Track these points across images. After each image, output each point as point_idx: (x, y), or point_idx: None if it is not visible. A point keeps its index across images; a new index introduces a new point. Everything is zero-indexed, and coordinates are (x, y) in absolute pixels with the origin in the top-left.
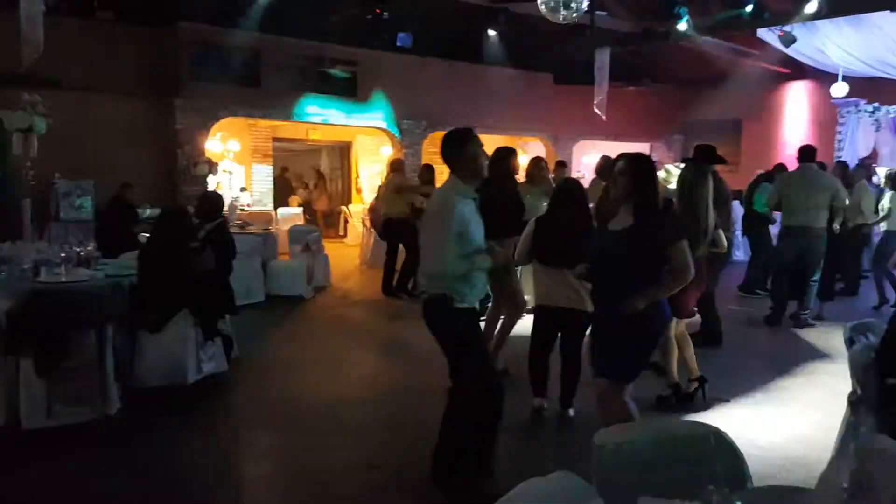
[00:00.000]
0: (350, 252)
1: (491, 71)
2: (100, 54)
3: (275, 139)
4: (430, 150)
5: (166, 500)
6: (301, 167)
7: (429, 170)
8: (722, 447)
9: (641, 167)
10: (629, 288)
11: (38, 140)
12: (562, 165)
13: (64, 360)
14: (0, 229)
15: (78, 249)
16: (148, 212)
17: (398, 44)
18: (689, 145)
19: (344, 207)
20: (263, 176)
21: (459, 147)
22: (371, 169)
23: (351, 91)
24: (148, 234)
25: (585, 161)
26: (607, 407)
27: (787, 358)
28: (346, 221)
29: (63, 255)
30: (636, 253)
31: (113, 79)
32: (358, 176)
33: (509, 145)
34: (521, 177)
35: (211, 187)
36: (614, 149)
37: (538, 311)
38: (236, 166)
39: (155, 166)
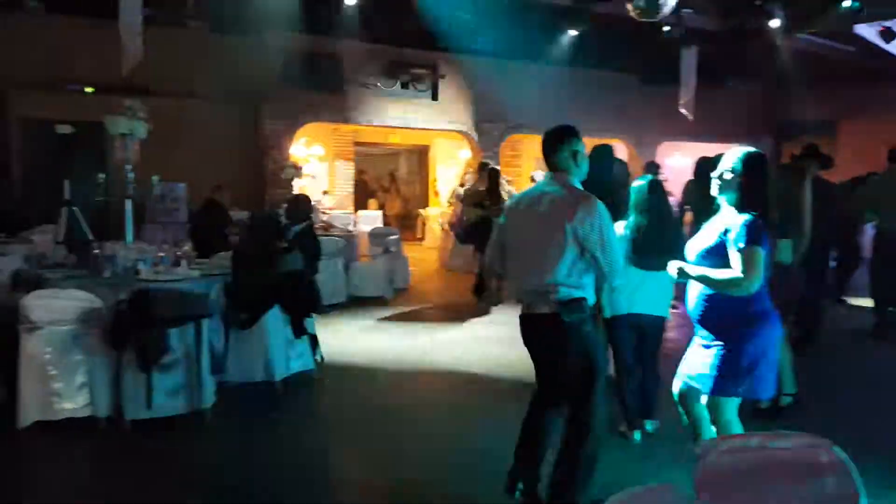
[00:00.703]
0: (428, 255)
1: (572, 72)
2: (193, 62)
3: (356, 143)
4: (508, 154)
5: (257, 491)
6: (380, 171)
7: (493, 176)
8: (834, 462)
9: (751, 166)
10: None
11: (137, 144)
12: (653, 167)
13: (164, 355)
14: (103, 229)
15: (175, 250)
16: (238, 214)
17: (478, 46)
18: (780, 147)
19: (421, 210)
20: (345, 179)
21: (571, 144)
22: (448, 172)
23: (430, 95)
24: (239, 236)
25: (668, 164)
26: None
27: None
28: (423, 224)
29: (161, 254)
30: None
31: (205, 86)
32: (435, 179)
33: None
34: None
35: (295, 190)
36: (700, 151)
37: (618, 321)
38: (319, 170)
39: (243, 170)
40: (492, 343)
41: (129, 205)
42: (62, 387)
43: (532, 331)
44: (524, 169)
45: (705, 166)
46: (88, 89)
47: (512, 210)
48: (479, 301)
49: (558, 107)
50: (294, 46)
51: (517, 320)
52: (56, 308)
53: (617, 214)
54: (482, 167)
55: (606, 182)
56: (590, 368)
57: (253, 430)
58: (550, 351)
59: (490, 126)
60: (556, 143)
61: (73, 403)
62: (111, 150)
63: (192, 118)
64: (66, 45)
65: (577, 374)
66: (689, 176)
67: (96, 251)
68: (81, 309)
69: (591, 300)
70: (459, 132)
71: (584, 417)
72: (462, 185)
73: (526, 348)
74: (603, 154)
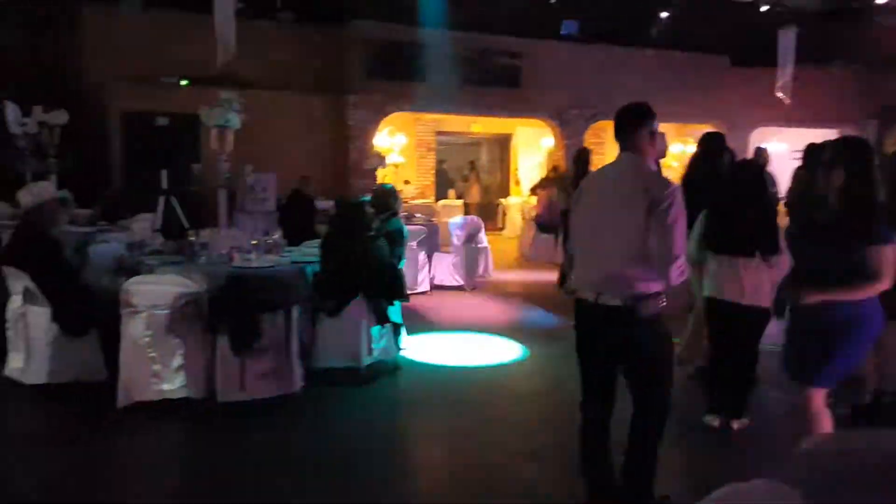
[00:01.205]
0: (509, 245)
1: (659, 55)
2: (282, 54)
3: (438, 132)
4: (592, 141)
5: (345, 472)
6: (461, 160)
7: (580, 158)
8: None
9: (856, 155)
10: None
11: (231, 135)
12: (760, 152)
13: (256, 339)
14: (197, 218)
15: (266, 238)
16: (323, 203)
17: (563, 32)
18: (885, 131)
19: (502, 200)
20: (426, 169)
21: (648, 124)
22: (531, 161)
23: (514, 82)
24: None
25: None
26: (806, 413)
27: None
28: (503, 214)
29: (254, 242)
30: (842, 249)
31: (293, 77)
32: (517, 168)
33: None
34: None
35: (378, 180)
36: (799, 136)
37: (707, 305)
38: (401, 159)
39: (328, 160)
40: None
41: (222, 194)
42: (160, 368)
43: (596, 323)
44: (607, 157)
45: (817, 153)
46: (184, 82)
47: (584, 192)
48: (561, 291)
49: (645, 91)
50: (379, 36)
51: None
52: (155, 293)
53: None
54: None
55: (716, 171)
56: (661, 361)
57: (339, 414)
58: (618, 347)
59: (574, 113)
60: (634, 123)
61: (169, 385)
62: (206, 140)
63: (281, 109)
64: (162, 40)
65: (648, 369)
66: (788, 162)
67: (192, 238)
68: (179, 294)
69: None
70: (542, 119)
71: (654, 410)
72: (554, 169)
73: (580, 339)
74: (712, 141)
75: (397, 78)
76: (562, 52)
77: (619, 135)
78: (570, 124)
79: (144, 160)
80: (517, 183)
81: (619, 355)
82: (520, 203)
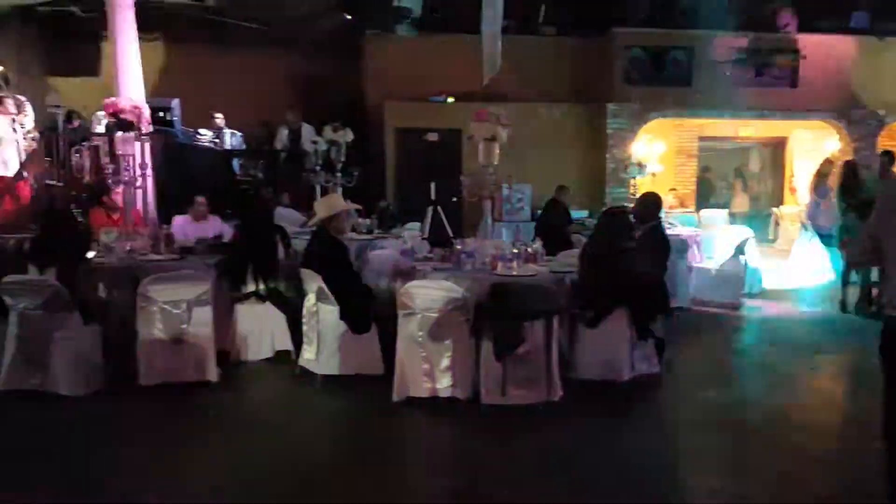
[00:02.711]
0: (781, 257)
1: None
2: (541, 67)
3: (701, 138)
4: (887, 144)
5: (604, 482)
6: (725, 167)
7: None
8: None
9: None
10: None
11: (497, 148)
12: None
13: (519, 346)
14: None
15: (526, 247)
16: (577, 213)
17: (851, 24)
18: None
19: (774, 209)
20: (687, 177)
21: None
22: (809, 166)
23: (792, 81)
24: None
25: None
26: None
27: None
28: (776, 224)
29: (515, 251)
30: None
31: (551, 88)
32: (792, 175)
33: None
34: None
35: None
36: None
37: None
38: (660, 167)
39: (583, 169)
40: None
41: (487, 206)
42: (430, 367)
43: None
44: None
45: None
46: (450, 99)
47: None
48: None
49: None
50: (641, 42)
51: None
52: (428, 297)
53: None
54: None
55: None
56: None
57: (598, 426)
58: None
59: (863, 112)
60: None
61: (439, 384)
62: (469, 154)
63: (538, 120)
64: (431, 61)
65: None
66: None
67: (458, 247)
68: (449, 298)
69: None
70: (825, 121)
71: None
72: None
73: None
74: None
75: (659, 83)
76: (848, 46)
77: None
78: (858, 125)
79: (414, 173)
80: (792, 191)
81: None
82: (796, 212)
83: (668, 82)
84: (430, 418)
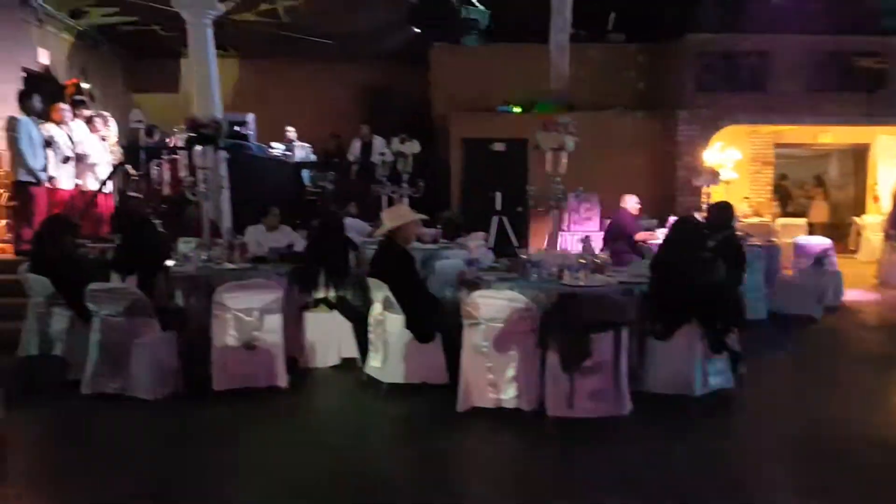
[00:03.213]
0: (863, 269)
1: None
2: (609, 74)
3: (776, 145)
4: None
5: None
6: (803, 174)
7: None
8: None
9: None
10: None
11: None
12: None
13: (586, 358)
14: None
15: (593, 257)
16: (644, 222)
17: None
18: None
19: (856, 219)
20: (762, 185)
21: None
22: (893, 173)
23: (877, 85)
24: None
25: None
26: None
27: None
28: (857, 234)
29: (583, 261)
30: None
31: (619, 96)
32: (875, 182)
33: None
34: None
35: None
36: None
37: None
38: (734, 175)
39: (653, 178)
40: None
41: (555, 216)
42: (495, 378)
43: None
44: None
45: None
46: (516, 109)
47: None
48: None
49: None
50: (713, 48)
51: None
52: (494, 307)
53: None
54: None
55: None
56: None
57: (668, 441)
58: None
59: None
60: None
61: (503, 394)
62: (535, 163)
63: (606, 128)
64: (497, 71)
65: None
66: None
67: (524, 257)
68: (514, 309)
69: None
70: None
71: None
72: None
73: None
74: None
75: (733, 89)
76: None
77: None
78: None
79: (479, 183)
80: (876, 199)
81: None
82: (878, 222)
83: (743, 88)
84: (494, 429)
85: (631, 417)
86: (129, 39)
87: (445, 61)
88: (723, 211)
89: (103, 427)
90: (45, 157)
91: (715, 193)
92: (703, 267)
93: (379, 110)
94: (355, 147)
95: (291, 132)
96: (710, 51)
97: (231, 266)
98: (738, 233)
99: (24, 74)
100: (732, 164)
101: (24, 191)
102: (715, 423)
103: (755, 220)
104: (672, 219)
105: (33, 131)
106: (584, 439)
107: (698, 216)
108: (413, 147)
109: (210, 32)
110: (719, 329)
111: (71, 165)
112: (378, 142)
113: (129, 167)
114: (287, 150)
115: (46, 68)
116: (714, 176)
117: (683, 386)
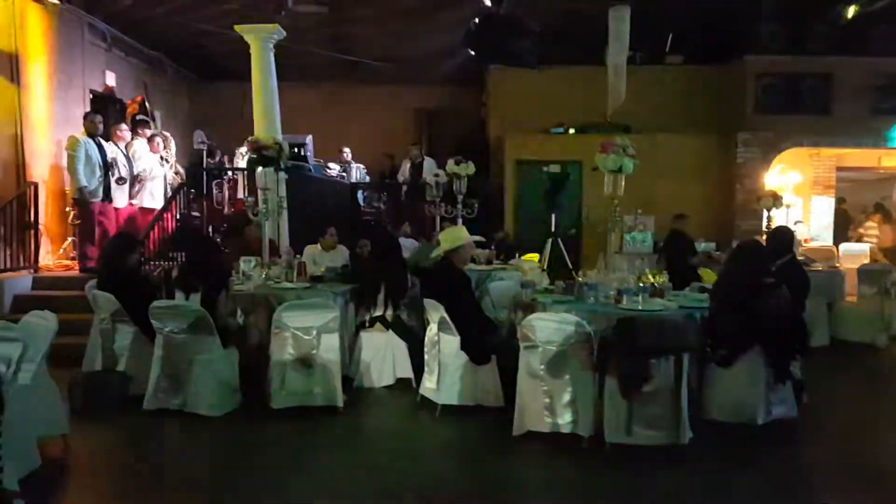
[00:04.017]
0: None
1: None
2: (666, 96)
3: (839, 168)
4: None
5: None
6: (865, 199)
7: None
8: None
9: None
10: None
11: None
12: None
13: (646, 384)
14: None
15: (651, 281)
16: (703, 245)
17: None
18: None
19: None
20: (823, 209)
21: None
22: None
23: None
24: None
25: None
26: None
27: None
28: None
29: (641, 284)
30: None
31: (678, 119)
32: None
33: None
34: None
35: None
36: None
37: None
38: (794, 199)
39: (713, 201)
40: None
41: (612, 238)
42: (551, 402)
43: None
44: None
45: None
46: (571, 131)
47: None
48: None
49: None
50: (774, 70)
51: None
52: (550, 329)
53: None
54: None
55: None
56: None
57: (729, 471)
58: None
59: None
60: None
61: (560, 419)
62: (590, 185)
63: (663, 150)
64: (552, 94)
65: None
66: None
67: (580, 279)
68: (571, 332)
69: None
70: None
71: None
72: None
73: None
74: None
75: (795, 112)
76: None
77: None
78: None
79: (533, 205)
80: None
81: None
82: None
83: (805, 111)
84: (550, 454)
85: (691, 446)
86: (193, 62)
87: (501, 84)
88: (784, 235)
89: (163, 443)
90: (104, 177)
91: (775, 217)
92: (766, 293)
93: (434, 132)
94: (405, 168)
95: (347, 153)
96: (771, 72)
97: (290, 285)
98: (800, 258)
99: (91, 96)
100: (793, 187)
101: (84, 209)
102: (778, 453)
103: (816, 244)
104: (734, 242)
105: (92, 151)
106: (642, 467)
107: (759, 240)
108: (468, 168)
109: (271, 56)
110: (783, 356)
111: (128, 185)
112: (428, 162)
113: (189, 188)
114: (343, 170)
115: (112, 90)
116: (775, 200)
117: (746, 414)
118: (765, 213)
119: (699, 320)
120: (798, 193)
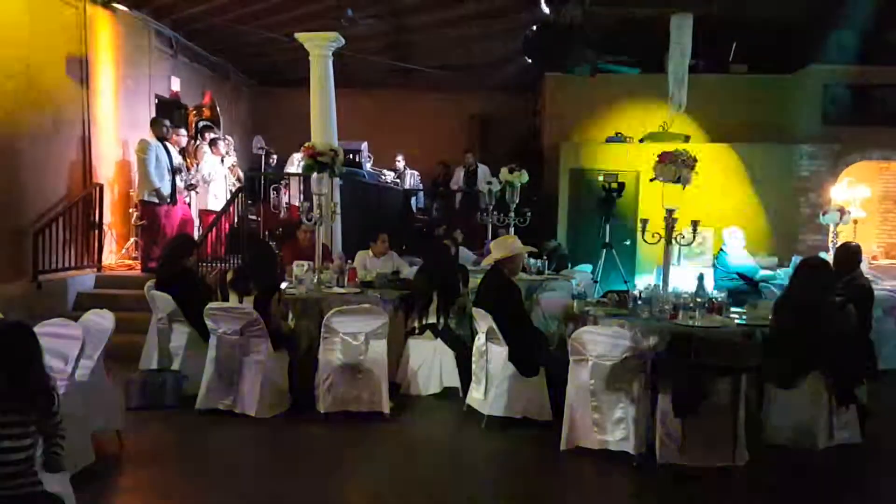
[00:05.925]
0: None
1: None
2: (729, 106)
3: None
4: None
5: None
6: None
7: None
8: None
9: None
10: None
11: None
12: None
13: (700, 402)
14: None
15: (711, 296)
16: (764, 261)
17: None
18: None
19: None
20: (894, 225)
21: None
22: None
23: None
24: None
25: None
26: None
27: None
28: None
29: (699, 300)
30: None
31: (740, 129)
32: None
33: None
34: None
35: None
36: None
37: None
38: (863, 214)
39: (775, 215)
40: None
41: (671, 251)
42: (601, 418)
43: None
44: None
45: None
46: (627, 140)
47: None
48: None
49: None
50: (841, 80)
51: None
52: (602, 344)
53: None
54: None
55: None
56: None
57: (787, 498)
58: None
59: None
60: None
61: (610, 436)
62: (648, 196)
63: (724, 161)
64: (609, 102)
65: None
66: None
67: (634, 292)
68: (624, 347)
69: None
70: None
71: None
72: None
73: None
74: None
75: (864, 123)
76: None
77: None
78: None
79: (588, 215)
80: None
81: None
82: None
83: (875, 122)
84: (599, 472)
85: (747, 469)
86: (254, 68)
87: (557, 91)
88: (851, 252)
89: (213, 442)
90: (172, 180)
91: (842, 233)
92: (832, 312)
93: (488, 139)
94: (459, 175)
95: (401, 160)
96: (838, 82)
97: (340, 290)
98: (867, 276)
99: (157, 101)
100: (861, 201)
101: (150, 211)
102: (840, 481)
103: (886, 261)
104: (797, 258)
105: (161, 154)
106: (695, 490)
107: (825, 257)
108: (522, 177)
109: (330, 63)
110: (848, 379)
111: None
112: (482, 170)
113: (247, 191)
114: (397, 177)
115: (177, 95)
116: (842, 214)
117: (806, 438)
118: (831, 228)
119: (759, 339)
120: (867, 208)
